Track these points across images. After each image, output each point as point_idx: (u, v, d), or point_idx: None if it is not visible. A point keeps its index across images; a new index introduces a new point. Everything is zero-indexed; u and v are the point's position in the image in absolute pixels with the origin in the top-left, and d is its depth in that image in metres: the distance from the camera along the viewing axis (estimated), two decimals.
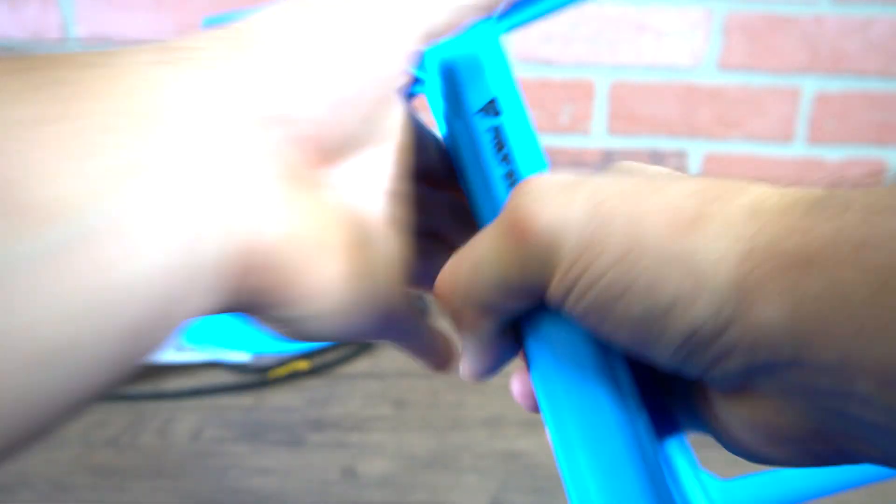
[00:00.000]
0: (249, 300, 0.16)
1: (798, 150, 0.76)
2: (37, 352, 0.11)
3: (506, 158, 0.19)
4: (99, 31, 0.70)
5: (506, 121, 0.20)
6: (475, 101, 0.20)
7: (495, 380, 0.46)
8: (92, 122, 0.12)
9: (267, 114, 0.15)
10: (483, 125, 0.20)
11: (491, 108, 0.20)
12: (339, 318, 0.17)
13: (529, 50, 0.72)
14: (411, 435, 0.40)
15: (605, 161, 0.76)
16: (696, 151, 0.76)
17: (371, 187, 0.18)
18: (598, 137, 0.75)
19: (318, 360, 0.49)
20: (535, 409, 0.19)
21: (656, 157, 0.76)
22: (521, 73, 0.73)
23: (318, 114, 0.16)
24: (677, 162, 0.76)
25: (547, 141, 0.75)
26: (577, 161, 0.76)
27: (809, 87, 0.74)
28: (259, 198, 0.15)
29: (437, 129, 0.22)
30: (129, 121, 0.13)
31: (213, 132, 0.14)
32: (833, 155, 0.76)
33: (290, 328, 0.17)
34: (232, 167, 0.14)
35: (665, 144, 0.75)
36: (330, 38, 0.16)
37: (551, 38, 0.72)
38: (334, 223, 0.17)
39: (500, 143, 0.19)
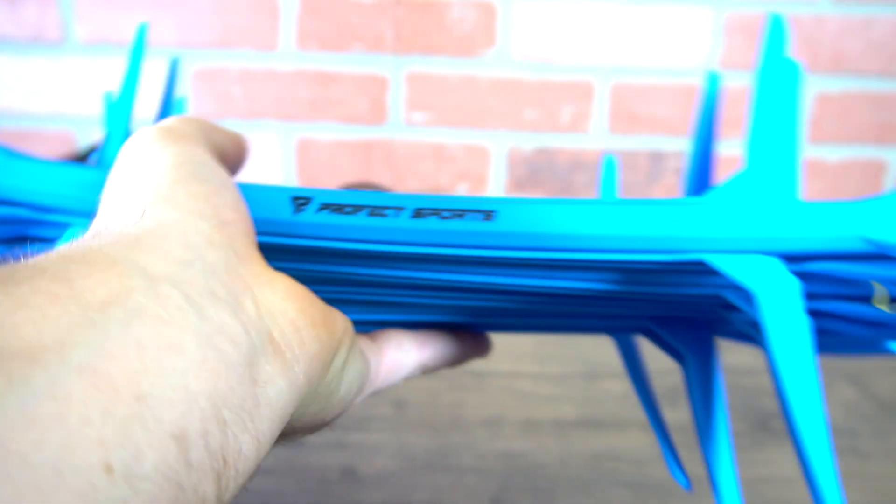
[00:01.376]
0: (303, 386, 0.17)
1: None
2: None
3: None
4: (99, 32, 0.71)
5: None
6: None
7: (495, 380, 0.47)
8: (55, 285, 0.13)
9: (236, 229, 0.17)
10: None
11: None
12: (355, 369, 0.20)
13: (529, 50, 0.72)
14: (411, 435, 0.40)
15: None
16: None
17: None
18: (598, 137, 0.75)
19: None
20: None
21: (656, 157, 0.76)
22: (521, 72, 0.73)
23: (231, 206, 0.18)
24: (677, 162, 0.76)
25: (547, 141, 0.75)
26: (577, 161, 0.76)
27: (810, 87, 0.74)
28: (277, 287, 0.17)
29: None
30: (85, 273, 0.13)
31: (184, 250, 0.15)
32: (833, 155, 0.76)
33: (324, 405, 0.19)
34: (214, 265, 0.16)
35: (665, 144, 0.75)
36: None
37: (551, 38, 0.72)
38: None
39: None
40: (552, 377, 0.49)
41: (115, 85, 0.75)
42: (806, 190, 0.77)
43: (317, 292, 0.19)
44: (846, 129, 0.75)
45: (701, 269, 0.20)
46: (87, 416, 0.11)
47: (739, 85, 0.74)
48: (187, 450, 0.12)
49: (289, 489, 0.35)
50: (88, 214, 0.22)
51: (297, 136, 0.74)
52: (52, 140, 0.73)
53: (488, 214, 0.21)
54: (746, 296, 0.20)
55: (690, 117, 0.75)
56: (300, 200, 0.22)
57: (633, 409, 0.45)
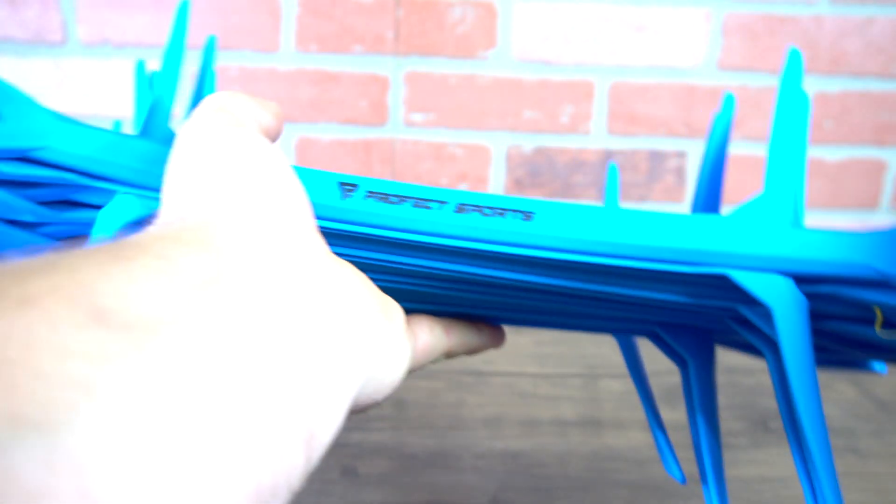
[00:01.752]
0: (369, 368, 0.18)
1: None
2: None
3: None
4: (99, 33, 0.71)
5: None
6: None
7: (495, 380, 0.47)
8: (157, 261, 0.13)
9: (292, 219, 0.18)
10: None
11: None
12: (404, 354, 0.21)
13: (529, 50, 0.72)
14: (411, 435, 0.40)
15: (606, 161, 0.76)
16: (696, 152, 0.76)
17: None
18: (598, 137, 0.75)
19: None
20: None
21: (656, 157, 0.76)
22: (521, 73, 0.73)
23: (305, 207, 0.19)
24: (677, 162, 0.76)
25: (547, 141, 0.75)
26: (577, 161, 0.76)
27: (809, 87, 0.74)
28: (345, 276, 0.18)
29: None
30: (188, 251, 0.15)
31: (275, 244, 0.16)
32: (833, 155, 0.76)
33: (377, 387, 0.19)
34: (305, 262, 0.17)
35: (665, 144, 0.75)
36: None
37: (551, 38, 0.72)
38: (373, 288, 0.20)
39: None
40: (552, 377, 0.49)
41: (115, 85, 0.76)
42: (805, 190, 0.77)
43: None
44: (845, 129, 0.76)
45: (721, 283, 0.22)
46: (211, 374, 0.12)
47: (738, 84, 0.74)
48: (290, 417, 0.13)
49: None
50: (135, 184, 0.23)
51: (297, 136, 0.74)
52: None
53: (527, 215, 0.22)
54: (761, 311, 0.22)
55: (690, 117, 0.75)
56: (347, 186, 0.22)
57: (633, 409, 0.45)
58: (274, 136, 0.23)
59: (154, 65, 0.47)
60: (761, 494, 0.36)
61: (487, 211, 0.22)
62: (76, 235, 0.24)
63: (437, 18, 0.71)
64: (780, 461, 0.39)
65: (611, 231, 0.21)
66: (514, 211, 0.22)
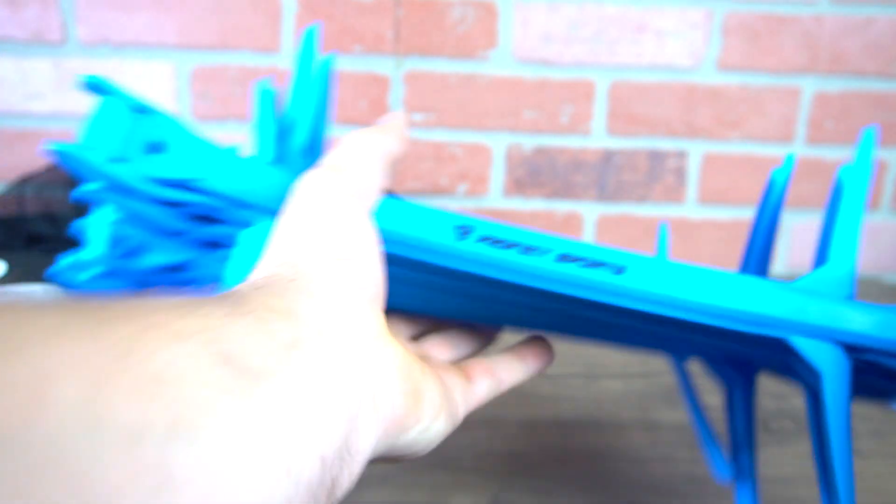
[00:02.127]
0: (392, 431, 0.21)
1: (798, 150, 0.76)
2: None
3: None
4: (99, 33, 0.71)
5: None
6: None
7: None
8: (258, 320, 0.17)
9: (356, 295, 0.21)
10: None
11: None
12: (437, 430, 0.24)
13: (529, 50, 0.72)
14: None
15: (606, 161, 0.76)
16: (696, 151, 0.76)
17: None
18: (598, 137, 0.75)
19: None
20: None
21: (656, 157, 0.76)
22: (521, 73, 0.73)
23: (375, 283, 0.22)
24: (677, 162, 0.76)
25: (547, 141, 0.75)
26: (577, 161, 0.76)
27: (809, 87, 0.74)
28: (380, 354, 0.21)
29: None
30: (279, 317, 0.18)
31: (339, 319, 0.20)
32: (833, 155, 0.76)
33: (405, 451, 0.23)
34: (361, 337, 0.20)
35: (665, 145, 0.75)
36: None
37: (551, 38, 0.72)
38: (412, 358, 0.23)
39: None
40: (552, 377, 0.49)
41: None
42: (804, 190, 0.77)
43: (457, 304, 0.26)
44: (845, 129, 0.76)
45: (778, 343, 0.26)
46: (282, 425, 0.16)
47: (738, 84, 0.74)
48: (323, 471, 0.17)
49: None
50: (272, 210, 0.26)
51: None
52: (53, 140, 0.73)
53: (620, 269, 0.26)
54: (809, 368, 0.26)
55: (690, 117, 0.75)
56: (463, 229, 0.26)
57: (633, 409, 0.45)
58: (401, 150, 0.26)
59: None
60: (763, 494, 0.36)
61: (585, 263, 0.26)
62: (215, 244, 0.29)
63: (437, 18, 0.71)
64: (780, 461, 0.39)
65: (692, 291, 0.25)
66: (609, 265, 0.26)
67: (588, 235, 0.78)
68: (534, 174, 0.76)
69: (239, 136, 0.74)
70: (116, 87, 0.27)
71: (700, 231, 0.78)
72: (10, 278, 0.54)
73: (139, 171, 0.26)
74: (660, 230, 0.50)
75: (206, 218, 0.28)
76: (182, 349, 0.14)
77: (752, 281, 0.26)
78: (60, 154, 0.27)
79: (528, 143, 0.75)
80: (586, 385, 0.48)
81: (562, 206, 0.77)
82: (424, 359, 0.25)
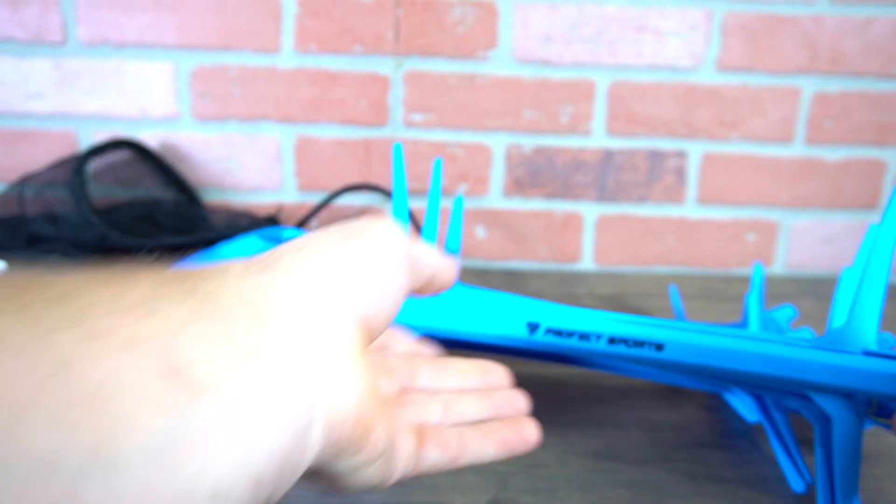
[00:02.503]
0: (329, 453, 0.20)
1: (797, 150, 0.76)
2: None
3: None
4: (100, 33, 0.71)
5: None
6: None
7: None
8: (223, 321, 0.17)
9: (341, 307, 0.20)
10: None
11: None
12: (365, 476, 0.22)
13: (529, 50, 0.72)
14: None
15: (606, 161, 0.76)
16: (696, 152, 0.76)
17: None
18: (598, 137, 0.75)
19: None
20: None
21: (656, 157, 0.76)
22: (521, 73, 0.73)
23: (370, 307, 0.22)
24: (677, 162, 0.76)
25: (547, 141, 0.75)
26: (577, 161, 0.76)
27: (808, 87, 0.74)
28: (345, 372, 0.20)
29: None
30: (248, 316, 0.18)
31: (312, 326, 0.19)
32: (832, 155, 0.76)
33: (328, 478, 0.22)
34: (330, 349, 0.20)
35: (665, 145, 0.75)
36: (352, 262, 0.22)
37: (551, 38, 0.72)
38: (377, 393, 0.22)
39: None
40: (552, 377, 0.49)
41: (115, 86, 0.76)
42: (804, 190, 0.77)
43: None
44: (845, 129, 0.76)
45: (799, 393, 0.33)
46: (217, 438, 0.15)
47: (738, 84, 0.74)
48: (257, 491, 0.16)
49: (290, 489, 0.35)
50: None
51: (298, 136, 0.74)
52: (54, 140, 0.73)
53: (659, 347, 0.32)
54: (823, 415, 0.32)
55: (690, 117, 0.75)
56: (533, 325, 0.33)
57: (633, 408, 0.45)
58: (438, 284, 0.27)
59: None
60: (763, 495, 0.36)
61: (630, 343, 0.32)
62: None
63: (437, 18, 0.72)
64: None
65: (724, 359, 0.31)
66: (650, 343, 0.32)
67: (588, 235, 0.78)
68: (534, 174, 0.76)
69: (238, 137, 0.74)
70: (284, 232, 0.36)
71: (700, 231, 0.78)
72: None
73: None
74: (671, 291, 0.57)
75: None
76: (127, 360, 0.14)
77: (777, 347, 0.31)
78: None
79: (528, 143, 0.75)
80: (586, 385, 0.48)
81: (562, 206, 0.77)
82: (388, 405, 0.25)
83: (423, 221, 0.75)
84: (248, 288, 0.19)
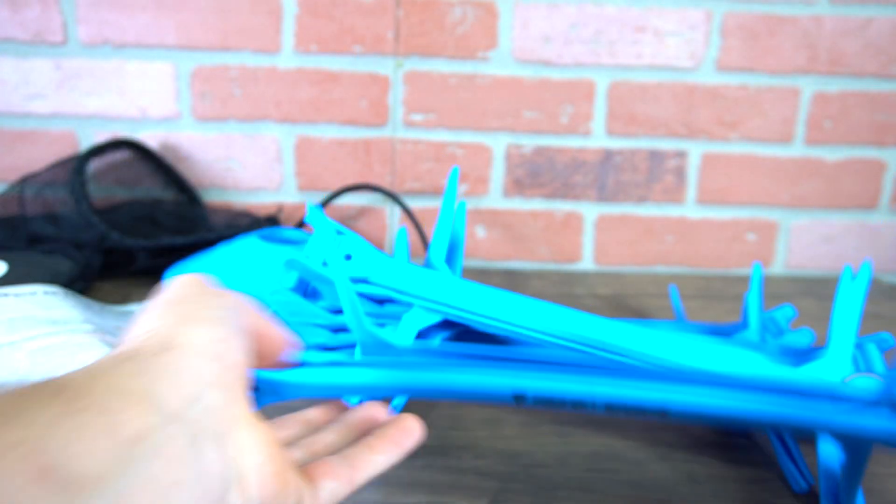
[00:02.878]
0: None
1: (797, 150, 0.76)
2: None
3: None
4: (100, 33, 0.71)
5: None
6: None
7: None
8: (100, 412, 0.17)
9: (230, 378, 0.21)
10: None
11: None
12: None
13: (529, 50, 0.73)
14: None
15: (606, 161, 0.76)
16: (696, 152, 0.76)
17: None
18: (597, 137, 0.75)
19: None
20: None
21: (656, 157, 0.76)
22: (521, 73, 0.73)
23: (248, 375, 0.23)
24: (677, 162, 0.76)
25: (547, 141, 0.75)
26: (577, 161, 0.76)
27: (808, 87, 0.74)
28: (249, 434, 0.21)
29: None
30: (128, 404, 0.18)
31: (203, 398, 0.20)
32: (832, 155, 0.76)
33: None
34: (228, 417, 0.21)
35: (665, 145, 0.76)
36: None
37: (551, 38, 0.72)
38: (275, 440, 0.23)
39: None
40: None
41: (115, 86, 0.76)
42: (804, 190, 0.77)
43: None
44: (844, 129, 0.76)
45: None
46: None
47: (738, 84, 0.74)
48: None
49: None
50: (423, 298, 0.39)
51: (297, 136, 0.74)
52: (54, 140, 0.73)
53: (663, 414, 0.30)
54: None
55: (690, 117, 0.75)
56: (517, 398, 0.31)
57: None
58: (266, 354, 0.27)
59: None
60: (763, 495, 0.36)
61: (630, 410, 0.30)
62: (391, 319, 0.40)
63: (437, 18, 0.72)
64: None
65: (724, 416, 0.30)
66: (652, 411, 0.30)
67: (588, 235, 0.78)
68: (534, 174, 0.76)
69: (238, 137, 0.74)
70: (325, 217, 0.40)
71: (700, 231, 0.78)
72: (10, 278, 0.55)
73: (339, 271, 0.37)
74: (671, 292, 0.57)
75: (382, 300, 0.40)
76: None
77: (787, 402, 0.31)
78: (292, 262, 0.38)
79: (528, 143, 0.75)
80: None
81: (562, 207, 0.77)
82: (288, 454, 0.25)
83: (422, 222, 0.75)
84: (123, 377, 0.19)
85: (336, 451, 0.27)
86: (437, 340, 0.41)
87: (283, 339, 0.27)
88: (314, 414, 0.30)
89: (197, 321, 0.22)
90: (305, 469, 0.25)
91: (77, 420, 0.16)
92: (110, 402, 0.17)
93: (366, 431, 0.29)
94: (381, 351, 0.35)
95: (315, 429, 0.29)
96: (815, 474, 0.38)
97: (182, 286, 0.24)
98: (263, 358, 0.27)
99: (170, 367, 0.20)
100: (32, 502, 0.14)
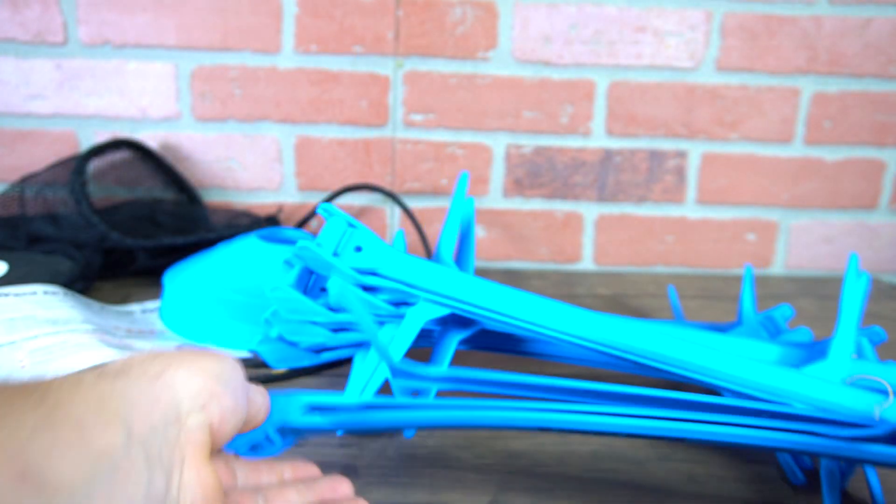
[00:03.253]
0: None
1: (797, 150, 0.76)
2: None
3: None
4: (100, 33, 0.71)
5: None
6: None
7: None
8: (75, 426, 0.19)
9: (193, 414, 0.23)
10: None
11: None
12: None
13: (529, 50, 0.73)
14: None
15: (606, 161, 0.76)
16: (696, 152, 0.76)
17: None
18: (597, 138, 0.75)
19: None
20: None
21: (656, 157, 0.76)
22: (521, 73, 0.73)
23: (219, 418, 0.24)
24: (677, 162, 0.76)
25: (547, 141, 0.75)
26: (577, 161, 0.76)
27: (807, 87, 0.74)
28: (195, 471, 0.23)
29: None
30: (99, 422, 0.20)
31: (164, 428, 0.22)
32: (831, 155, 0.76)
33: None
34: (180, 449, 0.22)
35: (665, 145, 0.76)
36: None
37: (551, 38, 0.73)
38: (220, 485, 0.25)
39: None
40: (552, 377, 0.49)
41: (115, 86, 0.76)
42: (803, 190, 0.77)
43: None
44: (844, 129, 0.76)
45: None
46: None
47: (738, 84, 0.74)
48: None
49: None
50: (431, 292, 0.39)
51: (298, 136, 0.74)
52: (54, 140, 0.73)
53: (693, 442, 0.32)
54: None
55: (689, 117, 0.75)
56: (544, 430, 0.33)
57: None
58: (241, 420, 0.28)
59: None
60: (763, 494, 0.36)
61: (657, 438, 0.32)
62: (392, 319, 0.40)
63: (437, 19, 0.72)
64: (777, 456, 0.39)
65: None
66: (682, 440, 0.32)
67: (588, 235, 0.78)
68: (534, 174, 0.76)
69: (238, 137, 0.74)
70: (338, 210, 0.40)
71: (700, 231, 0.78)
72: (10, 278, 0.55)
73: (348, 262, 0.39)
74: (669, 292, 0.58)
75: (401, 303, 0.41)
76: None
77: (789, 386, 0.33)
78: (302, 248, 0.39)
79: (528, 143, 0.75)
80: None
81: (562, 207, 0.77)
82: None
83: (422, 222, 0.75)
84: (102, 394, 0.21)
85: None
86: (453, 343, 0.42)
87: (262, 405, 0.29)
88: (288, 471, 0.31)
89: (198, 372, 0.24)
90: None
91: (56, 431, 0.18)
92: (86, 417, 0.19)
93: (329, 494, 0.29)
94: (411, 376, 0.35)
95: (283, 483, 0.29)
96: (814, 472, 0.38)
97: (215, 359, 0.26)
98: (248, 420, 0.28)
99: (147, 396, 0.22)
100: (10, 500, 0.16)
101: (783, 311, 0.48)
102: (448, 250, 0.44)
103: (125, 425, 0.20)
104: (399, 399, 0.34)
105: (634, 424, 0.31)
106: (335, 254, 0.40)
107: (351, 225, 0.41)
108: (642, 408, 0.32)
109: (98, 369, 0.22)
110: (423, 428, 0.35)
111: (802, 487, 0.37)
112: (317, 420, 0.32)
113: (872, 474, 0.35)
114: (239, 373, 0.26)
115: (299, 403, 0.32)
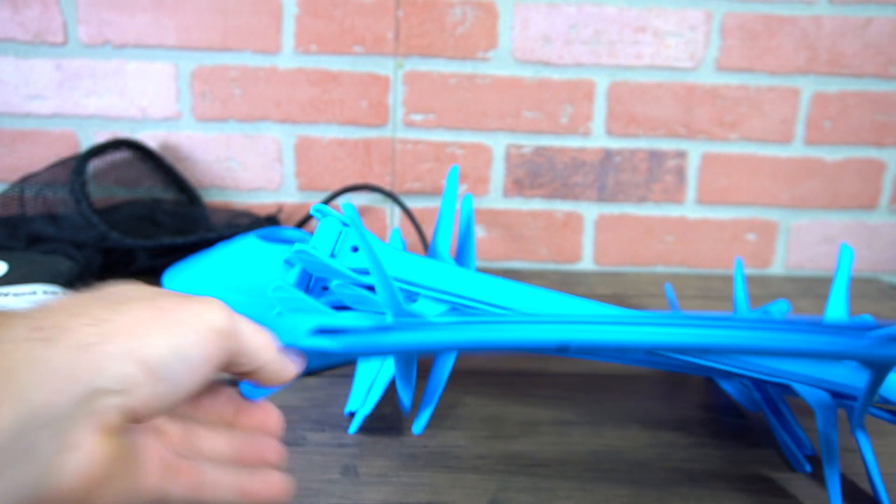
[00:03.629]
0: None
1: (796, 150, 0.76)
2: None
3: None
4: (100, 33, 0.71)
5: None
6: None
7: (496, 380, 0.47)
8: None
9: (102, 389, 0.22)
10: None
11: None
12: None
13: (529, 50, 0.73)
14: (411, 435, 0.40)
15: (606, 161, 0.76)
16: (695, 152, 0.76)
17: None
18: (597, 138, 0.75)
19: None
20: None
21: (656, 157, 0.76)
22: (522, 73, 0.73)
23: (143, 395, 0.23)
24: (677, 162, 0.76)
25: (547, 141, 0.75)
26: (577, 161, 0.76)
27: (807, 87, 0.74)
28: (78, 443, 0.21)
29: None
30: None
31: (54, 399, 0.21)
32: (831, 155, 0.76)
33: None
34: (71, 420, 0.21)
35: (664, 145, 0.76)
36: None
37: (551, 38, 0.73)
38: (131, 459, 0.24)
39: None
40: (552, 376, 0.49)
41: (115, 86, 0.76)
42: (803, 190, 0.77)
43: None
44: (844, 129, 0.76)
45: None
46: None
47: (738, 84, 0.74)
48: None
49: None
50: (429, 288, 0.40)
51: (297, 136, 0.74)
52: (54, 140, 0.73)
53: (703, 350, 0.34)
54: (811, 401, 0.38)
55: (689, 117, 0.75)
56: (562, 347, 0.31)
57: (633, 409, 0.45)
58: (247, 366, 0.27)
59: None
60: (763, 494, 0.36)
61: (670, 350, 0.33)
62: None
63: (437, 19, 0.72)
64: (780, 460, 0.39)
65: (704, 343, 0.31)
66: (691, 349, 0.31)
67: (588, 235, 0.78)
68: (533, 174, 0.76)
69: (238, 137, 0.74)
70: (332, 210, 0.40)
71: (699, 231, 0.78)
72: (10, 278, 0.55)
73: (345, 262, 0.40)
74: (666, 291, 0.59)
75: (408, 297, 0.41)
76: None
77: (770, 335, 0.31)
78: (299, 252, 0.38)
79: (528, 143, 0.75)
80: (586, 385, 0.48)
81: (562, 207, 0.77)
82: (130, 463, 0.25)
83: (422, 222, 0.75)
84: (15, 362, 0.20)
85: (218, 460, 0.27)
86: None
87: (269, 360, 0.27)
88: (217, 406, 0.29)
89: (129, 353, 0.22)
90: (174, 465, 0.25)
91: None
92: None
93: (254, 455, 0.28)
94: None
95: (211, 424, 0.28)
96: (815, 457, 0.38)
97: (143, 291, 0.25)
98: (242, 370, 0.26)
99: (65, 371, 0.21)
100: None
101: (780, 307, 0.48)
102: (444, 246, 0.44)
103: (27, 404, 0.20)
104: (413, 320, 0.32)
105: (661, 333, 0.29)
106: (332, 255, 0.40)
107: (345, 225, 0.40)
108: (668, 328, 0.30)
109: (35, 322, 0.21)
110: (438, 350, 0.33)
111: (802, 491, 0.37)
112: (325, 343, 0.30)
113: (869, 450, 0.35)
114: (203, 346, 0.24)
115: (307, 325, 0.30)
